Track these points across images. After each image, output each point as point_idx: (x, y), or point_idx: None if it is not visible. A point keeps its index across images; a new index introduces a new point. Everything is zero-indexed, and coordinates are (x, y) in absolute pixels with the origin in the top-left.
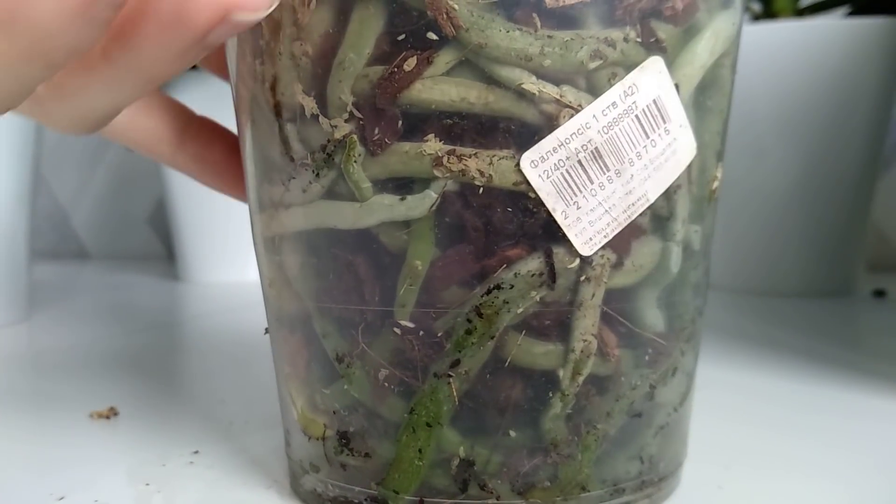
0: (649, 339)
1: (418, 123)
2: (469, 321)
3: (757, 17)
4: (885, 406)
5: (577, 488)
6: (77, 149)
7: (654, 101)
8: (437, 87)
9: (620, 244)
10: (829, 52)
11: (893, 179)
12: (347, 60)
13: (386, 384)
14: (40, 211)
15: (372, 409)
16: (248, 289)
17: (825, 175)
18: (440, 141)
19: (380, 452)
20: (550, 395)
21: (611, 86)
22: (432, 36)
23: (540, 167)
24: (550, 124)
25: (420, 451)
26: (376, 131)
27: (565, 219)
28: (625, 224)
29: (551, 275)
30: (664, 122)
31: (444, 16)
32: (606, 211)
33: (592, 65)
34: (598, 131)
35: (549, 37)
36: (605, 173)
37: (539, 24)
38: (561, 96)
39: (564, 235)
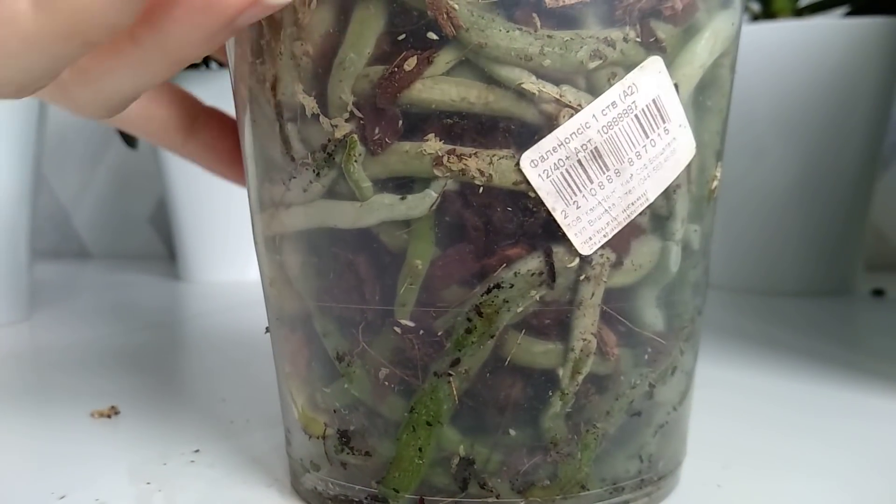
0: (649, 339)
1: (418, 123)
2: (469, 320)
3: (756, 17)
4: (883, 405)
5: (577, 487)
6: (78, 148)
7: (654, 101)
8: (438, 87)
9: (620, 243)
10: (828, 51)
11: (892, 179)
12: (348, 60)
13: (386, 383)
14: (41, 210)
15: (372, 407)
16: (248, 288)
17: (824, 174)
18: (440, 140)
19: (380, 451)
20: (550, 393)
21: (610, 85)
22: (432, 36)
23: (540, 167)
24: (550, 124)
25: (420, 449)
26: (377, 131)
27: (565, 218)
28: (624, 223)
29: (551, 274)
30: (663, 121)
31: (445, 16)
32: (606, 210)
33: (592, 64)
34: (598, 131)
35: (549, 37)
36: (604, 173)
37: (539, 23)
38: (561, 96)
39: (564, 235)
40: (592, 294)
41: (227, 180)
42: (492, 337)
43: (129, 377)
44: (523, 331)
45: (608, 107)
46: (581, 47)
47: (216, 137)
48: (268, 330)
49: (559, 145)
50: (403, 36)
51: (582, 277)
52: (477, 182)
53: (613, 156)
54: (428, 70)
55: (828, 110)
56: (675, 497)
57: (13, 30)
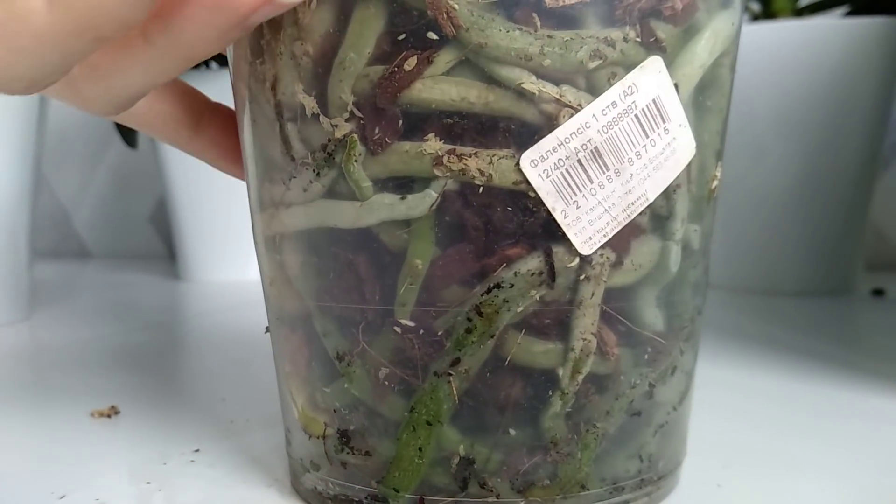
0: (648, 338)
1: (418, 123)
2: (469, 320)
3: (756, 17)
4: (883, 405)
5: (577, 487)
6: (78, 148)
7: (654, 101)
8: (438, 87)
9: (620, 243)
10: (828, 51)
11: (892, 178)
12: (348, 60)
13: (386, 383)
14: (41, 210)
15: (372, 407)
16: (248, 287)
17: (824, 174)
18: (440, 140)
19: (380, 451)
20: (550, 393)
21: (610, 85)
22: (432, 36)
23: (540, 166)
24: (550, 124)
25: (420, 449)
26: (377, 131)
27: (565, 218)
28: (624, 223)
29: (551, 274)
30: (663, 121)
31: (445, 15)
32: (606, 210)
33: (592, 64)
34: (598, 131)
35: (549, 36)
36: (604, 172)
37: (539, 23)
38: (561, 96)
39: (564, 234)
40: (592, 294)
41: (233, 176)
42: (492, 337)
43: (129, 377)
44: (523, 330)
45: (608, 107)
46: (581, 47)
47: (222, 134)
48: (268, 330)
49: (559, 145)
50: (403, 36)
51: (582, 277)
52: (477, 182)
53: (613, 156)
54: (428, 70)
55: (828, 110)
56: (675, 497)
57: (26, 26)
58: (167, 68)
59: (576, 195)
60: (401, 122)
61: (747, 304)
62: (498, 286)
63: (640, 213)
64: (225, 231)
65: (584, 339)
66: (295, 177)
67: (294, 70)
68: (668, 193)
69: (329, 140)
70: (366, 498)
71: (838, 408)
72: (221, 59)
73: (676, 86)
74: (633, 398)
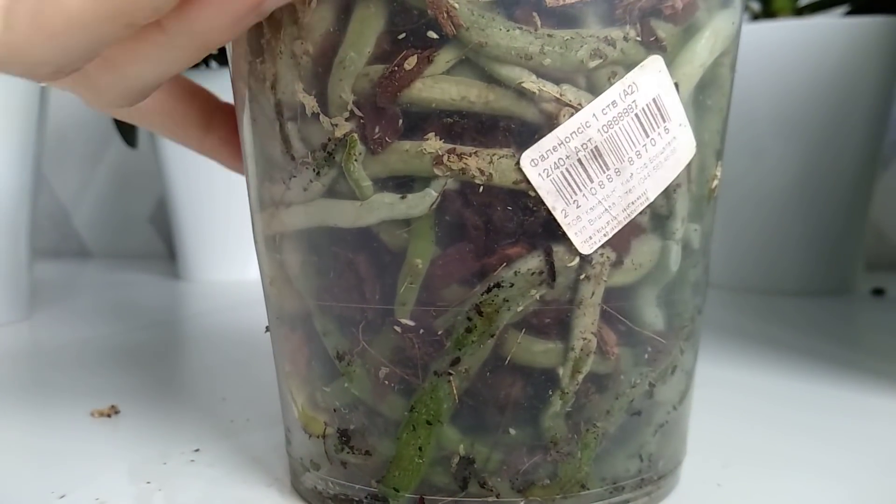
0: (649, 338)
1: (419, 122)
2: (469, 319)
3: (756, 17)
4: (883, 404)
5: (577, 486)
6: (78, 148)
7: (654, 100)
8: (438, 86)
9: (620, 243)
10: (828, 51)
11: (892, 178)
12: (348, 59)
13: (386, 382)
14: (41, 210)
15: (372, 406)
16: (248, 287)
17: (824, 173)
18: (440, 139)
19: (380, 450)
20: (550, 393)
21: (610, 84)
22: (433, 35)
23: (540, 166)
24: (550, 123)
25: (420, 448)
26: (377, 130)
27: (565, 217)
28: (624, 223)
29: (551, 273)
30: (664, 120)
31: (445, 15)
32: (606, 209)
33: (592, 64)
34: (598, 130)
35: (550, 36)
36: (604, 172)
37: (539, 22)
38: (561, 95)
39: (564, 234)
40: (592, 293)
41: (243, 175)
42: (492, 336)
43: (129, 376)
44: (523, 330)
45: (608, 106)
46: (581, 46)
47: (232, 133)
48: (268, 329)
49: (559, 144)
50: (404, 35)
51: (582, 276)
52: (477, 181)
53: (613, 155)
54: (428, 69)
55: (828, 109)
56: (675, 496)
57: (58, 9)
58: (181, 57)
59: (576, 194)
60: (401, 121)
61: (747, 303)
62: (498, 285)
63: (641, 213)
64: (225, 231)
65: (585, 339)
66: (295, 176)
67: (294, 69)
68: (668, 193)
69: (329, 139)
70: (366, 497)
71: (838, 407)
72: (222, 58)
73: (677, 85)
74: (634, 397)
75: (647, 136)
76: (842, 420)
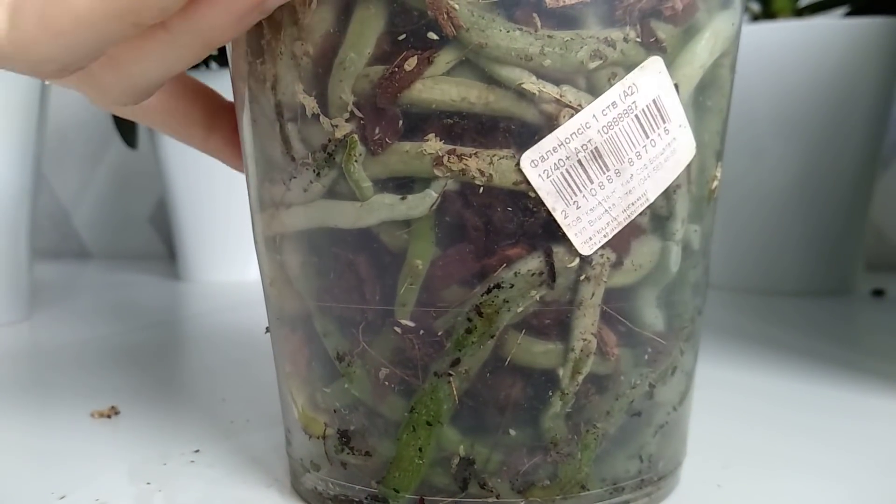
0: (649, 339)
1: (419, 123)
2: (469, 320)
3: (756, 17)
4: (883, 405)
5: (577, 487)
6: (78, 148)
7: (654, 101)
8: (438, 87)
9: (620, 243)
10: (828, 51)
11: (892, 178)
12: (348, 60)
13: (386, 383)
14: (41, 210)
15: (372, 407)
16: (248, 288)
17: (824, 174)
18: (440, 140)
19: (380, 451)
20: (550, 393)
21: (611, 86)
22: (433, 36)
23: (540, 167)
24: (550, 124)
25: (420, 449)
26: (377, 131)
27: (565, 218)
28: (624, 223)
29: (551, 274)
30: (664, 121)
31: (445, 16)
32: (606, 210)
33: (592, 65)
34: (598, 131)
35: (550, 37)
36: (604, 173)
37: (539, 23)
38: (561, 96)
39: (564, 235)
40: (592, 294)
41: (245, 176)
42: (492, 337)
43: (129, 377)
44: (523, 331)
45: (608, 107)
46: (581, 47)
47: (237, 132)
48: (268, 330)
49: (559, 145)
50: (404, 36)
51: (582, 277)
52: (477, 182)
53: (614, 156)
54: (428, 70)
55: (828, 110)
56: (675, 497)
57: (65, 8)
58: (184, 55)
59: (576, 195)
60: (401, 122)
61: (747, 304)
62: (498, 286)
63: (641, 214)
64: (225, 231)
65: (585, 340)
66: (295, 177)
67: (294, 70)
68: (668, 194)
69: (329, 140)
70: (366, 498)
71: (838, 408)
72: (222, 59)
73: (676, 86)
74: (634, 398)
75: (647, 136)
76: (842, 421)
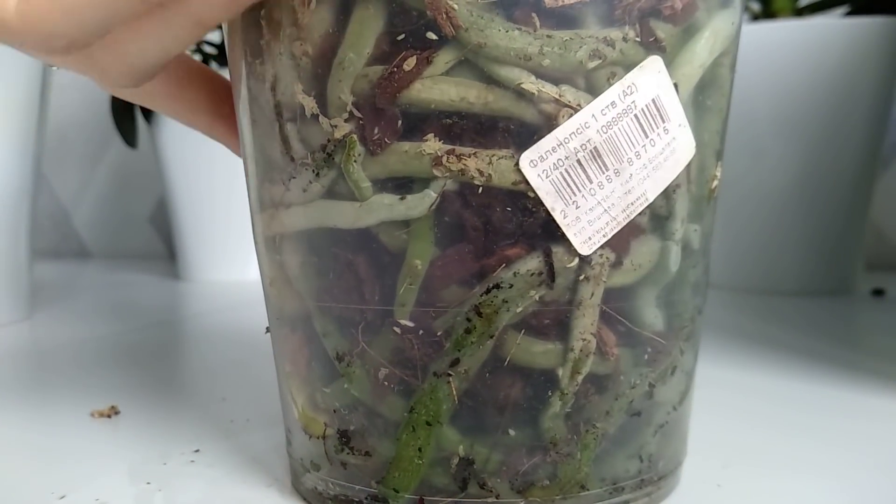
0: (648, 338)
1: (418, 123)
2: (468, 320)
3: (756, 17)
4: (883, 405)
5: (577, 487)
6: (78, 148)
7: (653, 101)
8: (437, 87)
9: (619, 243)
10: (828, 51)
11: (892, 178)
12: (347, 60)
13: (386, 383)
14: (42, 210)
15: (372, 407)
16: (248, 287)
17: (824, 174)
18: (439, 140)
19: (380, 451)
20: (549, 393)
21: (610, 85)
22: (432, 36)
23: (539, 166)
24: (549, 124)
25: (420, 449)
26: (376, 131)
27: (564, 218)
28: (624, 223)
29: (550, 274)
30: (663, 121)
31: (444, 16)
32: (605, 210)
33: (591, 64)
34: (597, 131)
35: (549, 36)
36: (603, 173)
37: (538, 23)
38: (560, 96)
39: (563, 235)
40: (592, 294)
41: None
42: (491, 337)
43: (128, 377)
44: (523, 331)
45: (607, 107)
46: (580, 47)
47: None
48: (268, 330)
49: (558, 145)
50: (403, 36)
51: (581, 277)
52: (476, 182)
53: (613, 156)
54: (427, 70)
55: (828, 110)
56: (675, 496)
57: None
58: (180, 34)
59: (575, 195)
60: (400, 122)
61: (747, 304)
62: (497, 286)
63: (640, 213)
64: (225, 231)
65: (584, 340)
66: (294, 177)
67: (293, 70)
68: (667, 193)
69: (328, 140)
70: (366, 498)
71: (838, 407)
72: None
73: (676, 85)
74: (633, 398)
75: (647, 136)
76: (842, 420)
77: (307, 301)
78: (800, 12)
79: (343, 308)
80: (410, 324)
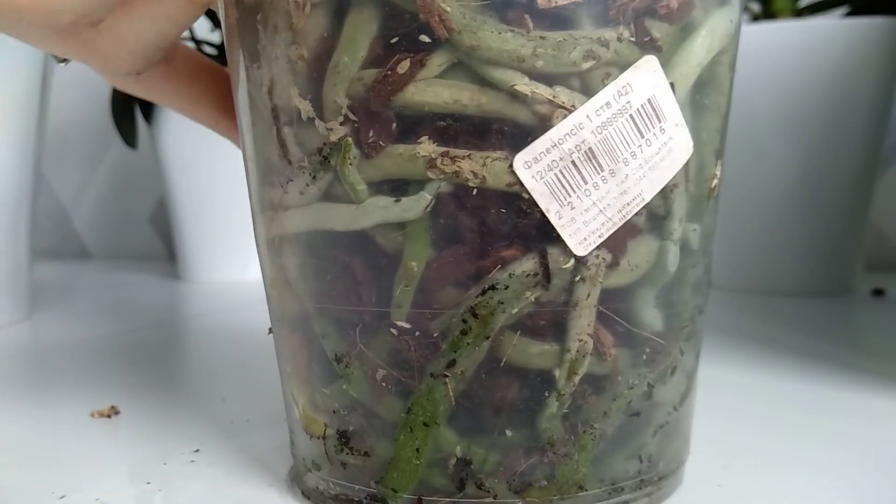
0: (647, 339)
1: (412, 126)
2: (464, 321)
3: (756, 18)
4: (883, 405)
5: (575, 487)
6: (78, 148)
7: (649, 101)
8: (431, 90)
9: (616, 244)
10: (828, 52)
11: (892, 179)
12: (342, 64)
13: (383, 384)
14: (41, 210)
15: (370, 408)
16: (248, 288)
17: (824, 174)
18: (434, 143)
19: (378, 451)
20: (546, 394)
21: (604, 86)
22: (425, 38)
23: (533, 168)
24: (544, 125)
25: (417, 450)
26: (371, 134)
27: (559, 219)
28: (620, 224)
29: (546, 275)
30: (659, 121)
31: (437, 18)
32: (601, 211)
33: (586, 65)
34: (592, 131)
35: (542, 38)
36: (599, 173)
37: (531, 25)
38: (554, 97)
39: (559, 236)
40: (588, 295)
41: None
42: (487, 338)
43: (129, 377)
44: (519, 332)
45: (602, 107)
46: (574, 48)
47: None
48: (271, 331)
49: (553, 146)
50: (396, 39)
51: (577, 278)
52: (471, 184)
53: (608, 156)
54: (421, 73)
55: (828, 110)
56: (675, 496)
57: None
58: (173, 14)
59: (570, 196)
60: (394, 125)
61: (747, 304)
62: (493, 288)
63: (637, 214)
64: (225, 231)
65: (581, 340)
66: (292, 180)
67: (289, 74)
68: (665, 193)
69: (324, 143)
70: (365, 498)
71: (838, 408)
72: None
73: (672, 85)
74: (632, 399)
75: (643, 136)
76: (842, 421)
77: (306, 303)
78: (800, 13)
79: (341, 310)
80: (407, 325)
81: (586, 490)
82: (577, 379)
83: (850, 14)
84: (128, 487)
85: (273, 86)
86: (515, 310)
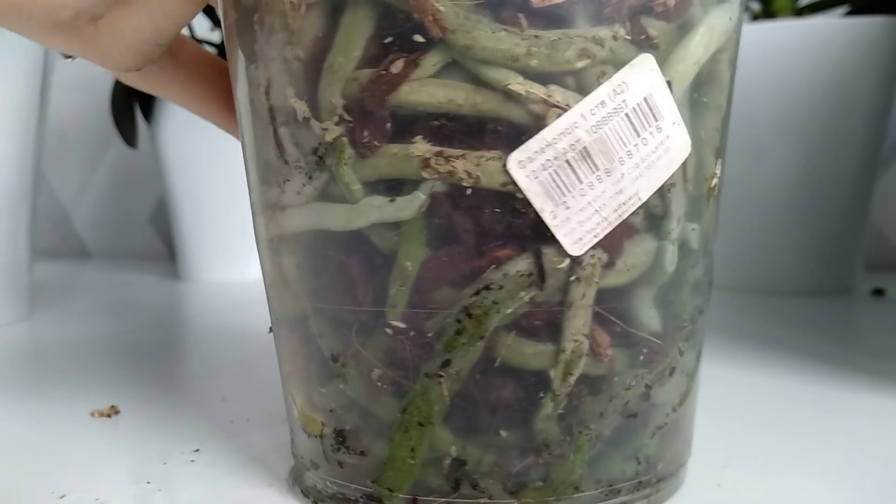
0: (644, 339)
1: (407, 125)
2: (459, 321)
3: (756, 17)
4: (883, 404)
5: (570, 488)
6: (78, 148)
7: (645, 99)
8: (425, 89)
9: (612, 244)
10: (828, 51)
11: (892, 178)
12: (337, 64)
13: (379, 384)
14: (41, 210)
15: (366, 408)
16: (248, 287)
17: (824, 174)
18: (428, 142)
19: (374, 451)
20: (541, 395)
21: (599, 84)
22: (419, 38)
23: (527, 167)
24: (538, 124)
25: (413, 450)
26: (365, 134)
27: (554, 219)
28: (616, 223)
29: (540, 275)
30: (656, 119)
31: (431, 18)
32: (596, 211)
33: (580, 64)
34: (587, 131)
35: (536, 37)
36: (594, 173)
37: (525, 24)
38: (548, 96)
39: (553, 236)
40: (584, 295)
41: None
42: (482, 338)
43: (129, 376)
44: (513, 332)
45: (597, 106)
46: (569, 47)
47: None
48: (271, 330)
49: (547, 146)
50: (390, 39)
51: (572, 278)
52: (465, 183)
53: (603, 155)
54: (415, 72)
55: (828, 110)
56: (675, 495)
57: None
58: (171, 11)
59: (565, 196)
60: (389, 124)
61: (747, 304)
62: (487, 288)
63: (633, 213)
64: (225, 231)
65: (576, 341)
66: (289, 180)
67: (285, 74)
68: (662, 192)
69: (320, 143)
70: (361, 497)
71: (838, 408)
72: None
73: (669, 83)
74: (629, 400)
75: (639, 135)
76: (842, 420)
77: (304, 302)
78: (800, 12)
79: (337, 309)
80: (402, 325)
81: (582, 491)
82: (572, 379)
83: (850, 13)
84: (128, 487)
85: (270, 86)
86: (510, 310)
